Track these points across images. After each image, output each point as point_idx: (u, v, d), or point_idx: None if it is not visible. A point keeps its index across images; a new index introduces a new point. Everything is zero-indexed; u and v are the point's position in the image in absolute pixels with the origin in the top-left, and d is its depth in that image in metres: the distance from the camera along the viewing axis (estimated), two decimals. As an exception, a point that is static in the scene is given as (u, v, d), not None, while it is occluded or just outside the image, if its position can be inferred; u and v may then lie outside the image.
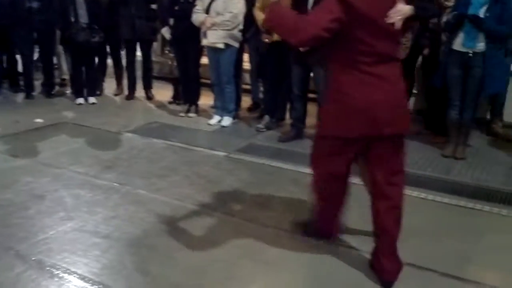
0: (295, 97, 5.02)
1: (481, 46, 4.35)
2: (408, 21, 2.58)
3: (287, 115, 5.61)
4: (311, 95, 5.17)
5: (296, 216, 3.49)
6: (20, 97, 6.71)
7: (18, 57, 6.90)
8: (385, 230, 2.73)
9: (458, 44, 4.44)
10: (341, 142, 2.68)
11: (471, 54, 4.38)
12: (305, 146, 4.93)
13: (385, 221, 2.72)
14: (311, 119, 5.30)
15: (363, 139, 2.64)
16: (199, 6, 5.35)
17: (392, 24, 2.51)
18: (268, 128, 5.42)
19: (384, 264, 2.75)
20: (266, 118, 5.53)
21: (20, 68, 6.96)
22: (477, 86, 4.48)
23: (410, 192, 3.91)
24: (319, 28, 2.45)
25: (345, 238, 3.19)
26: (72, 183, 4.06)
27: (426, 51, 5.03)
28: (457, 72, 4.50)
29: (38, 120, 5.63)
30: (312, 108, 5.27)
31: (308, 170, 4.24)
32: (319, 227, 3.14)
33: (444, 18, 4.55)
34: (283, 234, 3.29)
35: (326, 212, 3.05)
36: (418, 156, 4.76)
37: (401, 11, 2.52)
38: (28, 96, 6.64)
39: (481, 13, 4.29)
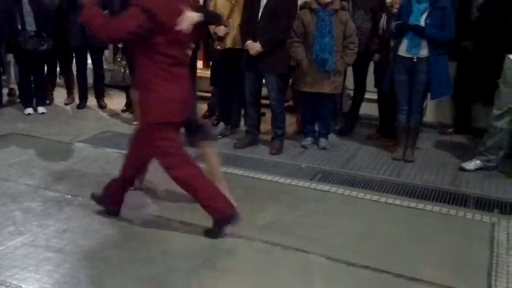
0: (249, 104, 5.06)
1: (424, 52, 4.52)
2: (197, 27, 3.14)
3: (242, 122, 5.63)
4: (264, 101, 5.22)
5: (253, 222, 3.52)
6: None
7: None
8: None
9: (403, 50, 4.60)
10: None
11: (415, 60, 4.55)
12: (260, 152, 5.02)
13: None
14: (265, 125, 5.36)
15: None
16: None
17: (182, 30, 3.02)
18: (223, 135, 5.43)
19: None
20: (221, 125, 5.54)
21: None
22: (423, 90, 4.66)
23: (362, 195, 4.06)
24: (126, 31, 2.97)
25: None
26: (22, 196, 3.95)
27: (376, 57, 5.17)
28: (403, 77, 4.67)
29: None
30: (266, 114, 5.33)
31: (264, 176, 4.39)
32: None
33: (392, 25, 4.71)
34: (240, 241, 3.31)
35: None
36: (369, 159, 4.91)
37: (189, 18, 3.03)
38: None
39: (422, 20, 4.46)
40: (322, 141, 5.14)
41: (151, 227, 3.49)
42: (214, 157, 3.75)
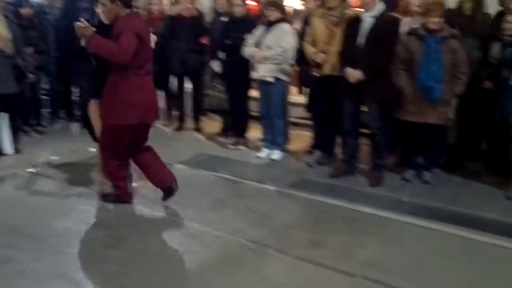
0: (347, 133, 4.95)
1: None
2: None
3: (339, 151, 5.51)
4: (363, 130, 5.08)
5: (353, 256, 3.39)
6: (75, 126, 6.89)
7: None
8: None
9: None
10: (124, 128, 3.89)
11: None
12: (358, 183, 4.86)
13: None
14: (363, 155, 5.20)
15: (139, 125, 3.94)
16: (251, 40, 5.41)
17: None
18: (319, 163, 5.35)
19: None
20: (317, 153, 5.46)
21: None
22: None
23: (471, 235, 3.77)
24: (130, 52, 3.65)
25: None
26: (128, 215, 4.10)
27: (487, 85, 4.82)
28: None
29: (93, 149, 5.73)
30: (364, 144, 5.18)
31: (363, 208, 4.23)
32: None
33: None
34: (340, 276, 3.19)
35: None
36: (478, 197, 4.57)
37: (154, 37, 4.10)
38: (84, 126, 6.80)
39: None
40: (426, 175, 4.86)
41: (248, 252, 3.48)
42: None
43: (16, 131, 5.67)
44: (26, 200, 4.36)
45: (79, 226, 3.84)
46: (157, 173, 4.27)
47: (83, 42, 3.75)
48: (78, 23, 3.65)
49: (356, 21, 4.69)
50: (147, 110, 3.95)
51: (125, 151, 4.09)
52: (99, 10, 3.93)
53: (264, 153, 5.64)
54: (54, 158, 5.49)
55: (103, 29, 3.78)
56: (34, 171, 5.07)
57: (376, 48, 4.55)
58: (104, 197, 4.31)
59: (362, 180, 4.92)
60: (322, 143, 5.46)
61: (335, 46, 4.92)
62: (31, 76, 5.73)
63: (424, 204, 4.40)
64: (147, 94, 3.95)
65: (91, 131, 4.44)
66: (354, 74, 4.60)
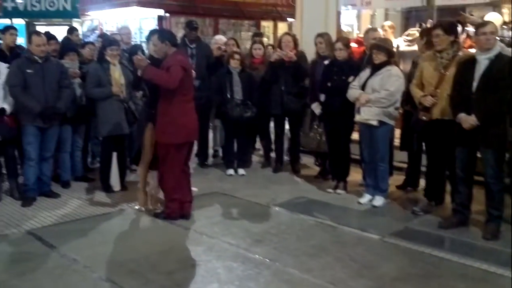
0: (459, 180, 4.62)
1: None
2: None
3: (448, 199, 5.16)
4: (477, 178, 4.71)
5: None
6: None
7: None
8: None
9: None
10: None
11: None
12: (471, 235, 4.49)
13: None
14: (477, 205, 4.80)
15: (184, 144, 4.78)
16: (356, 82, 5.33)
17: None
18: (425, 211, 5.04)
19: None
20: (424, 200, 5.16)
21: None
22: None
23: None
24: (177, 80, 4.49)
25: None
26: (225, 254, 4.10)
27: None
28: None
29: (193, 189, 5.87)
30: (478, 193, 4.79)
31: (477, 264, 3.87)
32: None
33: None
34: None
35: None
36: None
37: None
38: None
39: None
40: (548, 229, 4.41)
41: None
42: None
43: (123, 169, 5.97)
44: (129, 236, 4.52)
45: (177, 265, 3.88)
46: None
47: (139, 72, 4.73)
48: (137, 56, 4.59)
49: (470, 63, 4.45)
50: (190, 131, 4.79)
51: (178, 167, 4.76)
52: (151, 48, 4.97)
53: (365, 198, 5.43)
54: (158, 196, 5.67)
55: (154, 63, 4.70)
56: (138, 208, 5.26)
57: (491, 92, 4.28)
58: (157, 215, 4.92)
59: (476, 232, 4.53)
60: (429, 190, 5.15)
61: (445, 90, 4.69)
62: (141, 118, 6.05)
63: (549, 262, 3.94)
64: (190, 117, 4.77)
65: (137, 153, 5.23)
66: (467, 120, 4.33)
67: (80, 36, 12.97)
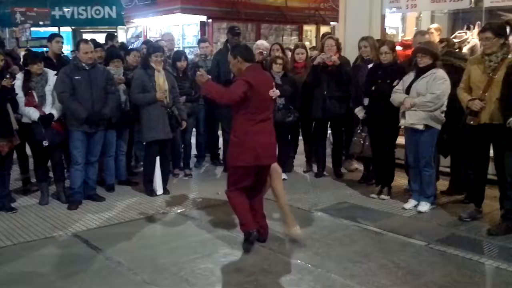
0: (509, 186, 4.45)
1: None
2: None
3: (496, 205, 4.97)
4: None
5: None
6: (219, 170, 7.19)
7: (219, 134, 7.48)
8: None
9: None
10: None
11: None
12: (522, 243, 4.31)
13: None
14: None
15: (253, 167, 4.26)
16: (400, 86, 5.22)
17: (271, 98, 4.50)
18: (473, 217, 4.88)
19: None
20: (471, 206, 4.99)
21: (220, 143, 7.51)
22: None
23: None
24: (237, 96, 4.08)
25: None
26: (267, 260, 4.07)
27: None
28: None
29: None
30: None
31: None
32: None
33: None
34: None
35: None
36: None
37: (276, 91, 4.68)
38: (226, 170, 7.05)
39: None
40: None
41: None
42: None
43: (166, 173, 6.06)
44: (171, 240, 4.56)
45: (220, 269, 3.89)
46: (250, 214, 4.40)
47: (202, 89, 4.60)
48: (198, 72, 4.34)
49: (521, 66, 4.29)
50: (260, 153, 4.19)
51: (244, 190, 4.35)
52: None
53: (410, 204, 5.30)
54: (199, 200, 5.73)
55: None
56: (180, 212, 5.32)
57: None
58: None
59: (527, 240, 4.37)
60: (477, 196, 4.97)
61: (494, 93, 4.54)
62: (184, 123, 6.13)
63: None
64: (261, 138, 4.21)
65: None
66: None
67: (125, 42, 13.43)
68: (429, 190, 5.22)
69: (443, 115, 5.10)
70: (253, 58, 4.51)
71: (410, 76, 5.20)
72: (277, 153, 4.66)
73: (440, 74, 5.03)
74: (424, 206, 5.19)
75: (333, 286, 3.64)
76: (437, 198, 5.48)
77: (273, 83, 4.65)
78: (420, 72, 5.08)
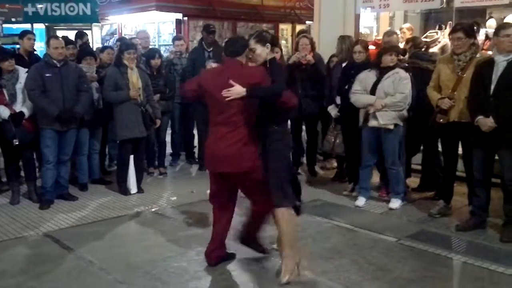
0: (477, 183, 4.56)
1: None
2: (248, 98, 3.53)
3: (465, 201, 5.09)
4: (494, 180, 4.64)
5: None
6: (194, 168, 7.19)
7: (194, 132, 7.47)
8: None
9: None
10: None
11: None
12: (488, 238, 4.43)
13: None
14: (494, 207, 4.73)
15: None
16: (358, 87, 5.25)
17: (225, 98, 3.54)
18: (442, 214, 4.98)
19: None
20: (441, 202, 5.09)
21: (195, 142, 7.50)
22: None
23: None
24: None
25: None
26: (240, 256, 4.08)
27: None
28: None
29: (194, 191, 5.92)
30: (496, 195, 4.73)
31: (493, 267, 3.81)
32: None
33: None
34: None
35: None
36: None
37: (233, 91, 3.50)
38: (202, 168, 7.07)
39: None
40: None
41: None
42: (285, 224, 3.71)
43: (140, 172, 6.03)
44: (144, 239, 4.54)
45: (193, 267, 3.89)
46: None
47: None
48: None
49: (488, 65, 4.40)
50: (213, 159, 3.75)
51: (212, 198, 4.04)
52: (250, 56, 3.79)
53: (361, 202, 5.41)
54: (174, 199, 5.72)
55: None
56: (155, 210, 5.30)
57: (510, 93, 4.21)
58: None
59: (493, 235, 4.49)
60: (446, 193, 5.09)
61: (463, 92, 4.64)
62: (158, 121, 6.11)
63: None
64: (216, 144, 3.68)
65: None
66: (486, 123, 4.28)
67: (99, 40, 13.26)
68: (399, 188, 5.31)
69: (406, 113, 5.20)
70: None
71: (368, 77, 5.24)
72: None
73: (403, 73, 5.12)
74: (395, 203, 5.28)
75: (304, 283, 3.67)
76: (408, 195, 5.60)
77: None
78: (383, 72, 5.14)
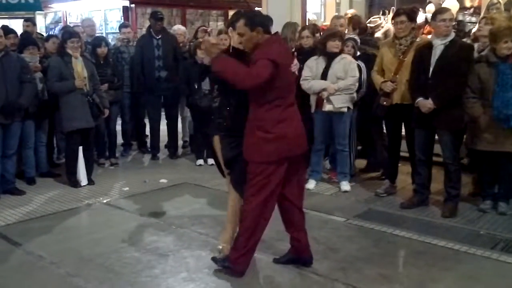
0: (419, 162, 4.77)
1: None
2: None
3: (409, 180, 5.31)
4: (435, 159, 4.87)
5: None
6: (146, 158, 7.14)
7: (146, 121, 7.41)
8: None
9: None
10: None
11: None
12: (431, 214, 4.65)
13: None
14: (436, 185, 4.98)
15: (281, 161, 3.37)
16: (308, 73, 5.32)
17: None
18: (388, 193, 5.18)
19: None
20: (387, 182, 5.29)
21: (147, 131, 7.44)
22: None
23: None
24: (262, 79, 3.15)
25: None
26: (194, 243, 4.14)
27: None
28: None
29: (163, 180, 5.90)
30: (438, 173, 4.96)
31: (435, 241, 4.02)
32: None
33: None
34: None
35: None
36: None
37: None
38: (154, 157, 7.04)
39: None
40: (502, 206, 4.59)
41: (315, 287, 3.37)
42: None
43: (90, 163, 5.94)
44: (96, 231, 4.50)
45: (147, 257, 3.91)
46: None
47: (206, 60, 3.52)
48: (209, 38, 3.41)
49: (427, 48, 4.57)
50: (291, 143, 3.36)
51: (272, 198, 3.51)
52: (234, 39, 3.47)
53: (311, 184, 5.51)
54: (126, 189, 5.67)
55: (237, 56, 3.38)
56: (106, 202, 5.26)
57: (447, 75, 4.41)
58: (215, 260, 3.70)
59: (435, 211, 4.72)
60: (391, 173, 5.29)
61: (404, 75, 4.81)
62: (106, 111, 6.01)
63: (502, 236, 4.14)
64: (290, 126, 3.36)
65: (220, 167, 3.96)
66: (425, 104, 4.47)
67: (43, 29, 12.79)
68: (346, 169, 5.46)
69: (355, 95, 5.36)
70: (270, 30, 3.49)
71: (317, 63, 5.31)
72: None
73: (349, 58, 5.27)
74: (347, 186, 5.42)
75: (260, 267, 3.73)
76: (356, 176, 5.78)
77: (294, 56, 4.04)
78: (331, 57, 5.23)
